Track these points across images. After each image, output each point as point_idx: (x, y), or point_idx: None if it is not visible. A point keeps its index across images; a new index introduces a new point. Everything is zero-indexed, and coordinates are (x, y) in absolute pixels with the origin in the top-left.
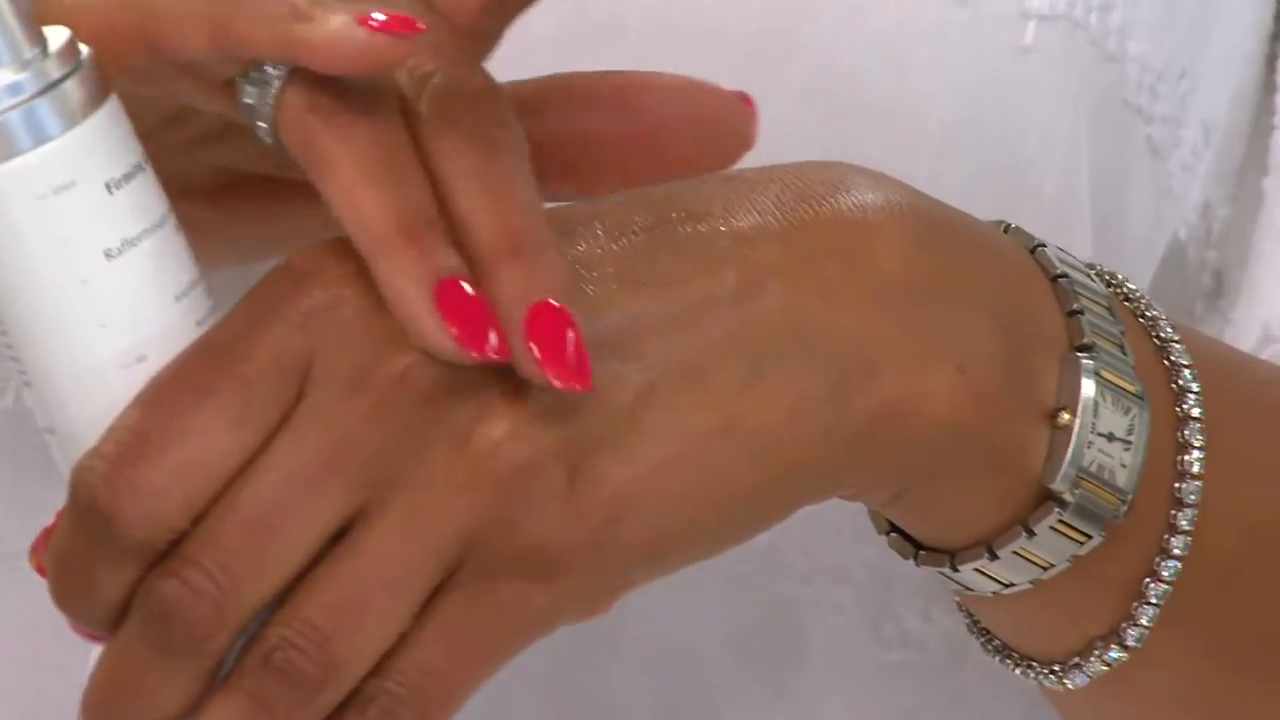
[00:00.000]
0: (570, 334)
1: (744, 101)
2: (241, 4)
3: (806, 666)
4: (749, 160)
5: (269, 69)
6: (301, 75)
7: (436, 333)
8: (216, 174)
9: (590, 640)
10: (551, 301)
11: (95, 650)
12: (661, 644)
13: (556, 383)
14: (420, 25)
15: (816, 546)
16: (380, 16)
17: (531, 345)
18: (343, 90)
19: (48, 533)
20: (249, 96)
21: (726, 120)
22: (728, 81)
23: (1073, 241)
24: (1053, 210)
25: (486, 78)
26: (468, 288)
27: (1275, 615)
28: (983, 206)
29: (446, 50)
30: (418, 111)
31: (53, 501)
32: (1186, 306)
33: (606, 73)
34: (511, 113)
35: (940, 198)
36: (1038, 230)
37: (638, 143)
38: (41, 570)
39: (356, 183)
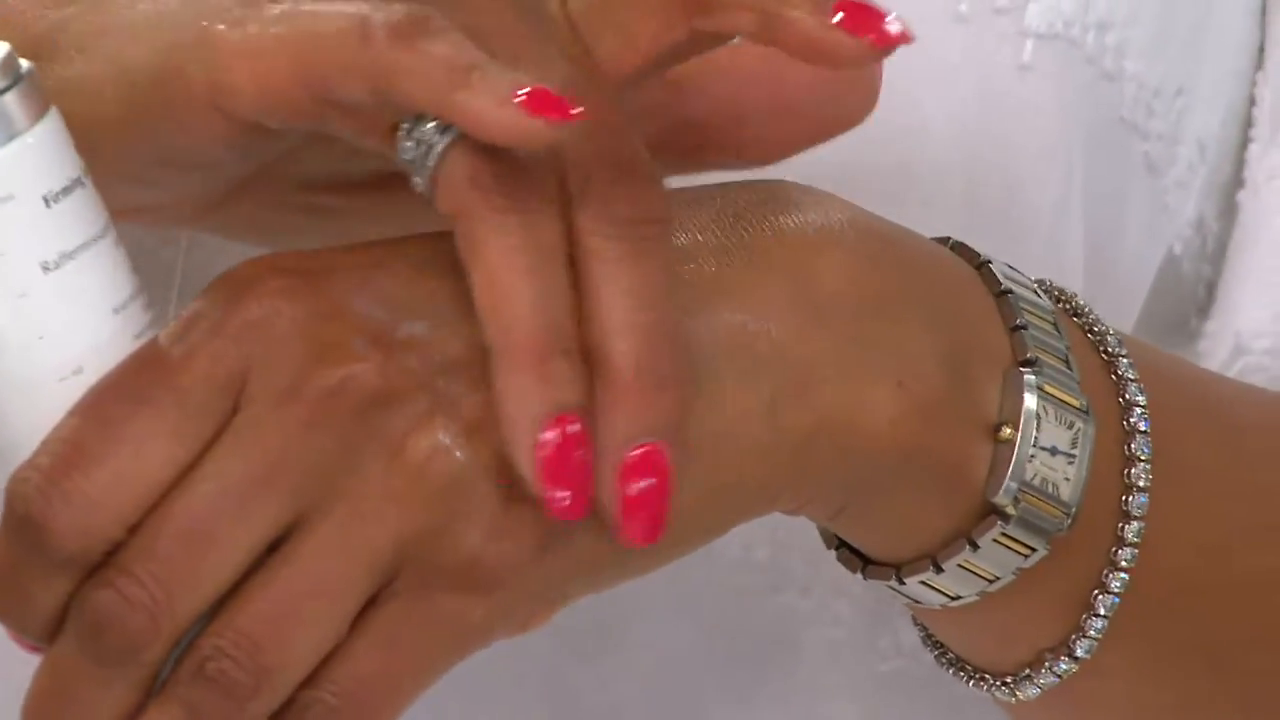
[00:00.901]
0: (659, 490)
1: (857, 77)
2: (402, 59)
3: (803, 677)
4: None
5: (430, 129)
6: (464, 141)
7: (528, 471)
8: (375, 165)
9: (588, 650)
10: (651, 448)
11: None
12: (660, 654)
13: (625, 539)
14: (575, 111)
15: (815, 558)
16: (529, 91)
17: (615, 507)
18: (504, 164)
19: None
20: (408, 152)
21: (857, 74)
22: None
23: (1067, 258)
24: (1048, 226)
25: (644, 159)
26: (575, 430)
27: (1226, 628)
28: (979, 222)
29: (607, 123)
30: (575, 193)
31: None
32: (1181, 321)
33: (742, 48)
34: (665, 201)
35: (937, 213)
36: (1033, 248)
37: (787, 110)
38: None
39: (503, 281)
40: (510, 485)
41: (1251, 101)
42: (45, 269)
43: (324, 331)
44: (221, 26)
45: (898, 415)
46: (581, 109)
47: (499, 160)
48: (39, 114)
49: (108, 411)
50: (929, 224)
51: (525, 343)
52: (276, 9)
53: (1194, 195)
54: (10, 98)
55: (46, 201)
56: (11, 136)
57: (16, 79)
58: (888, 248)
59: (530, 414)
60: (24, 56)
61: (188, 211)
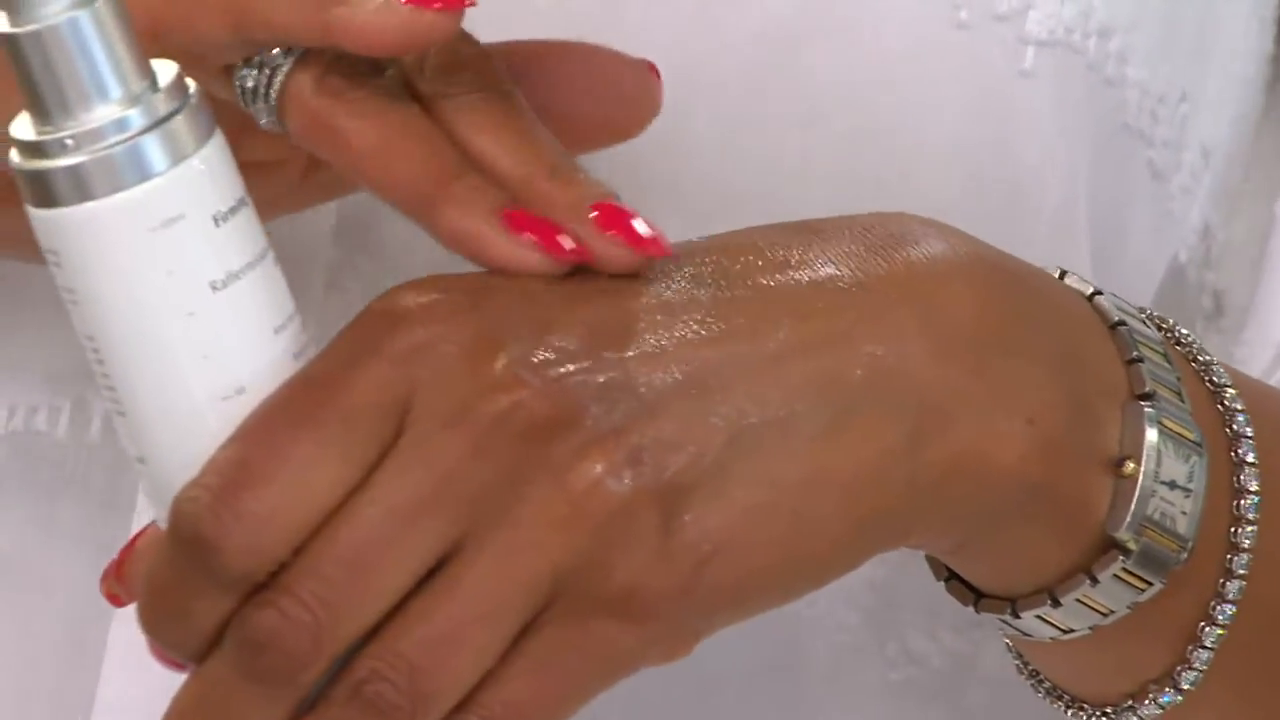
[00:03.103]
0: (632, 214)
1: (649, 69)
2: None
3: (811, 685)
4: (757, 189)
5: (273, 53)
6: (308, 57)
7: (519, 251)
8: None
9: None
10: (604, 200)
11: (108, 662)
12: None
13: (644, 254)
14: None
15: None
16: None
17: (608, 233)
18: (349, 68)
19: (119, 562)
20: (248, 80)
21: (633, 88)
22: (730, 102)
23: (1072, 265)
24: (1053, 234)
25: (476, 43)
26: (526, 213)
27: None
28: (983, 230)
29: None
30: (420, 81)
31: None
32: (1186, 327)
33: (516, 43)
34: (506, 70)
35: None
36: (1038, 253)
37: (560, 111)
38: (112, 598)
39: (382, 151)
40: (668, 517)
41: None
42: (214, 288)
43: (490, 357)
44: None
45: (1027, 451)
46: None
47: (343, 66)
48: (207, 135)
49: (275, 433)
50: None
51: (433, 179)
52: None
53: (1199, 202)
54: (180, 120)
55: (215, 221)
56: (182, 158)
57: (185, 101)
58: (1010, 281)
59: (481, 217)
60: None
61: None
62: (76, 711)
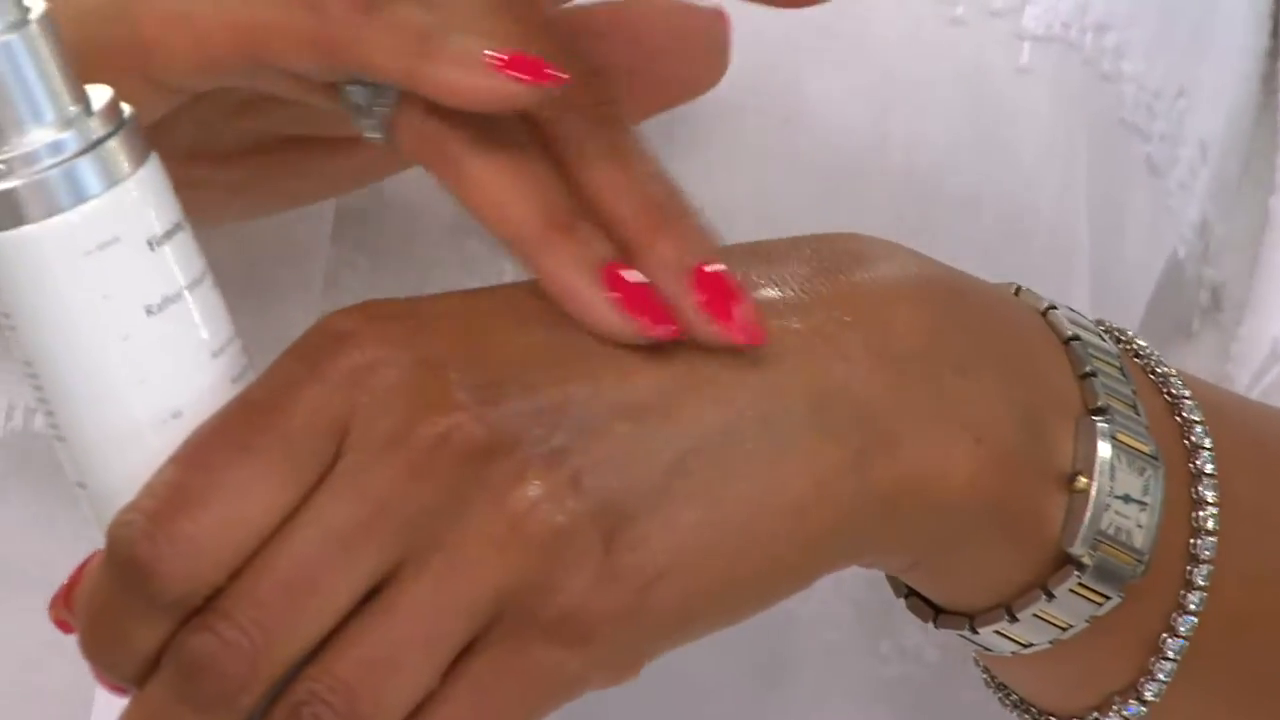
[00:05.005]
0: (734, 290)
1: (721, 19)
2: (359, 31)
3: (804, 682)
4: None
5: None
6: None
7: (613, 317)
8: (247, 137)
9: None
10: (706, 266)
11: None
12: (659, 660)
13: (734, 340)
14: (557, 75)
15: None
16: (500, 56)
17: (703, 311)
18: None
19: (68, 588)
20: (357, 97)
21: (708, 39)
22: (720, 99)
23: (1073, 262)
24: (1051, 230)
25: (586, 58)
26: (628, 273)
27: None
28: (982, 229)
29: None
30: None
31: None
32: (1184, 323)
33: (599, 2)
34: (611, 81)
35: (937, 220)
36: (1036, 252)
37: (642, 71)
38: (61, 624)
39: (495, 184)
40: (611, 538)
41: (1274, 107)
42: (149, 312)
43: (429, 380)
44: None
45: (976, 471)
46: (562, 74)
47: None
48: (142, 158)
49: (212, 457)
50: (930, 231)
51: (544, 224)
52: None
53: (1196, 197)
54: (114, 143)
55: (150, 245)
56: (116, 181)
57: (120, 124)
58: (960, 299)
59: (584, 274)
60: None
61: None
62: (77, 711)
